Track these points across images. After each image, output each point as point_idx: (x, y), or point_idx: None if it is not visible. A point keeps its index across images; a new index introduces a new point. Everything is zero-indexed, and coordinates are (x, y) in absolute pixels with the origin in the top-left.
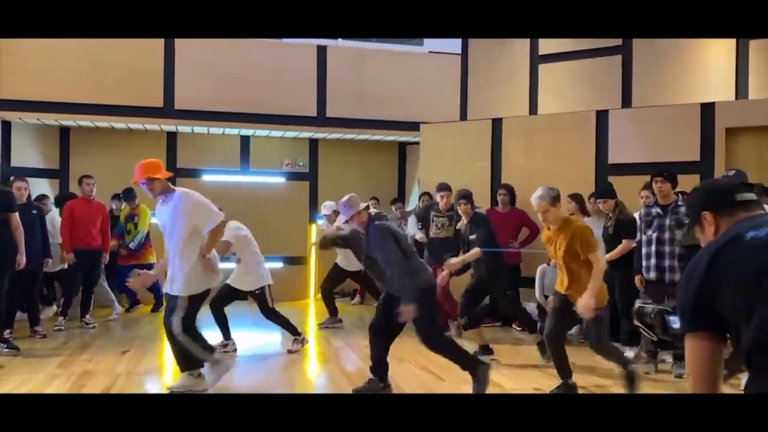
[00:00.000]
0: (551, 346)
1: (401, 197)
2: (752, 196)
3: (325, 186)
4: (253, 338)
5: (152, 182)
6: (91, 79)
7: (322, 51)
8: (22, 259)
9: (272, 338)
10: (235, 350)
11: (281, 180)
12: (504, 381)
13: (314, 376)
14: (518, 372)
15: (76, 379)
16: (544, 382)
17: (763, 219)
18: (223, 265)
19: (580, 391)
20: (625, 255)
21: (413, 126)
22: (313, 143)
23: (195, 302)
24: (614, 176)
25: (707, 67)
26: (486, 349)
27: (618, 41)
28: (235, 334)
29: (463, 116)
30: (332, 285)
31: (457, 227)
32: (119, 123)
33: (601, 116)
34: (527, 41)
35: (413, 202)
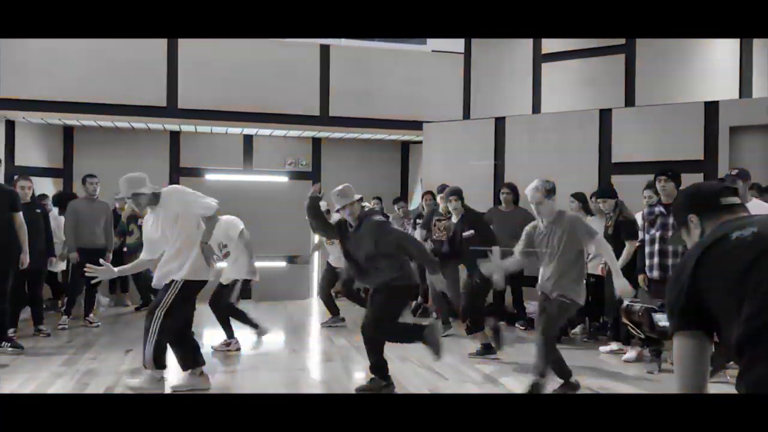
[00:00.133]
0: (547, 347)
1: (404, 196)
2: (736, 199)
3: (327, 185)
4: (256, 337)
5: (138, 197)
6: (95, 78)
7: (325, 50)
8: (25, 259)
9: (275, 337)
10: (239, 349)
11: (284, 179)
12: (507, 380)
13: (318, 375)
14: (521, 371)
15: (80, 377)
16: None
17: (746, 220)
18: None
19: (583, 391)
20: (619, 254)
21: (416, 125)
22: (316, 142)
23: (188, 293)
24: (617, 175)
25: (711, 66)
26: (488, 348)
27: (621, 40)
28: (239, 333)
29: (466, 115)
30: (329, 286)
31: (437, 218)
32: (123, 122)
33: (605, 115)
34: (530, 40)
35: (416, 202)
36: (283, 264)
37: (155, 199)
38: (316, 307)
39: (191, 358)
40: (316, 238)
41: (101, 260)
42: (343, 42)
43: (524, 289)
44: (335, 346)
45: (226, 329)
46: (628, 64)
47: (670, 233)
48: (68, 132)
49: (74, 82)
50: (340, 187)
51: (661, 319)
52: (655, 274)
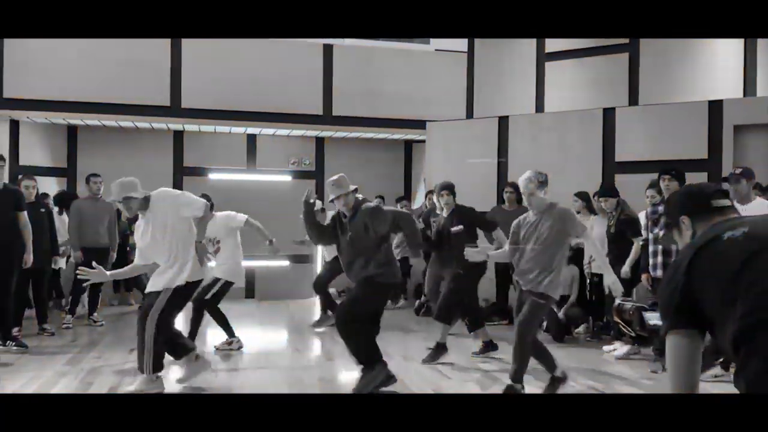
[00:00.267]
0: (523, 350)
1: (407, 196)
2: (727, 202)
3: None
4: (259, 336)
5: (129, 201)
6: (99, 77)
7: (328, 49)
8: (29, 258)
9: (278, 337)
10: (240, 347)
11: (287, 179)
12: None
13: (320, 374)
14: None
15: (84, 376)
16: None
17: (737, 221)
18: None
19: (582, 391)
20: (622, 253)
21: (419, 124)
22: (320, 142)
23: (183, 296)
24: (621, 174)
25: (715, 65)
26: (490, 345)
27: (625, 39)
28: (240, 332)
29: (470, 114)
30: (329, 281)
31: (433, 219)
32: (126, 122)
33: (608, 114)
34: (533, 39)
35: (419, 201)
36: (285, 263)
37: (145, 203)
38: (319, 306)
39: (181, 346)
40: None
41: (93, 263)
42: (347, 42)
43: None
44: (338, 344)
45: (225, 328)
46: (631, 63)
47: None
48: (72, 131)
49: (78, 81)
50: (335, 177)
51: (652, 318)
52: (659, 273)
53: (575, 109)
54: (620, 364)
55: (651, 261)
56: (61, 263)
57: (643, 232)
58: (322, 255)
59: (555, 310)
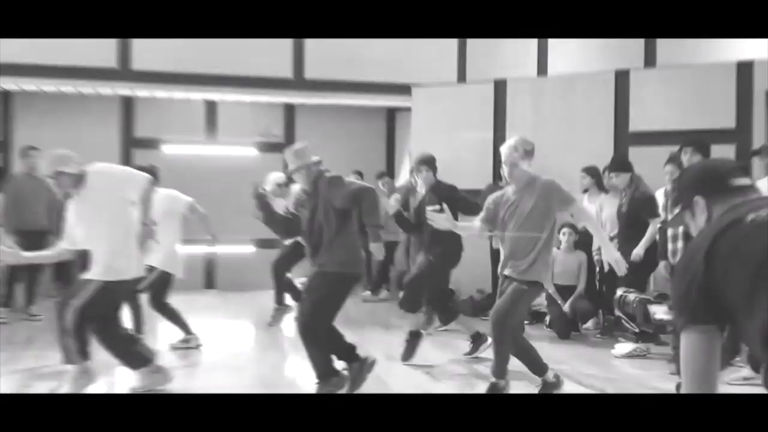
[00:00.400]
0: (509, 336)
1: (389, 171)
2: (747, 181)
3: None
4: (221, 333)
5: (61, 177)
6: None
7: None
8: None
9: (242, 332)
10: (199, 345)
11: (253, 152)
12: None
13: (289, 374)
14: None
15: (21, 379)
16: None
17: (760, 201)
18: None
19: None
20: (636, 236)
21: (404, 89)
22: (290, 110)
23: (115, 292)
24: (636, 146)
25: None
26: (480, 338)
27: None
28: (200, 328)
29: (462, 78)
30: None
31: (412, 198)
32: (68, 87)
33: (621, 77)
34: None
35: (404, 177)
36: (251, 249)
37: (80, 180)
38: (289, 297)
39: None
40: None
41: (4, 244)
42: None
43: None
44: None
45: (179, 325)
46: None
47: None
48: (7, 99)
49: (12, 41)
50: (296, 146)
51: (658, 311)
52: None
53: (583, 72)
54: (633, 365)
55: (671, 247)
56: None
57: (661, 213)
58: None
59: (560, 303)
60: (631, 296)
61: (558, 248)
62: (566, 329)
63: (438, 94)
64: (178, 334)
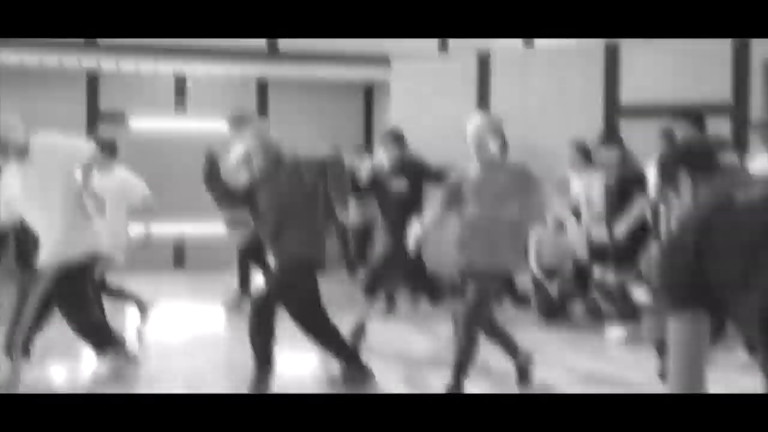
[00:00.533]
0: (468, 342)
1: (368, 149)
2: (734, 158)
3: (275, 135)
4: (190, 316)
5: (4, 146)
6: None
7: None
8: None
9: (212, 316)
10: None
11: (223, 127)
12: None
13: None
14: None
15: None
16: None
17: (749, 180)
18: None
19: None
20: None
21: (382, 61)
22: (262, 86)
23: (75, 278)
24: (628, 120)
25: None
26: None
27: None
28: (167, 311)
29: (443, 48)
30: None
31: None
32: (31, 59)
33: (611, 48)
34: None
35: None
36: (221, 229)
37: (24, 149)
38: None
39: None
40: None
41: None
42: None
43: None
44: (284, 328)
45: (128, 299)
46: None
47: None
48: None
49: None
50: (236, 112)
51: (638, 294)
52: None
53: (572, 42)
54: (624, 350)
55: (664, 227)
56: None
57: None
58: None
59: (546, 285)
60: (610, 277)
61: (546, 229)
62: (553, 313)
63: (419, 66)
64: (137, 316)
